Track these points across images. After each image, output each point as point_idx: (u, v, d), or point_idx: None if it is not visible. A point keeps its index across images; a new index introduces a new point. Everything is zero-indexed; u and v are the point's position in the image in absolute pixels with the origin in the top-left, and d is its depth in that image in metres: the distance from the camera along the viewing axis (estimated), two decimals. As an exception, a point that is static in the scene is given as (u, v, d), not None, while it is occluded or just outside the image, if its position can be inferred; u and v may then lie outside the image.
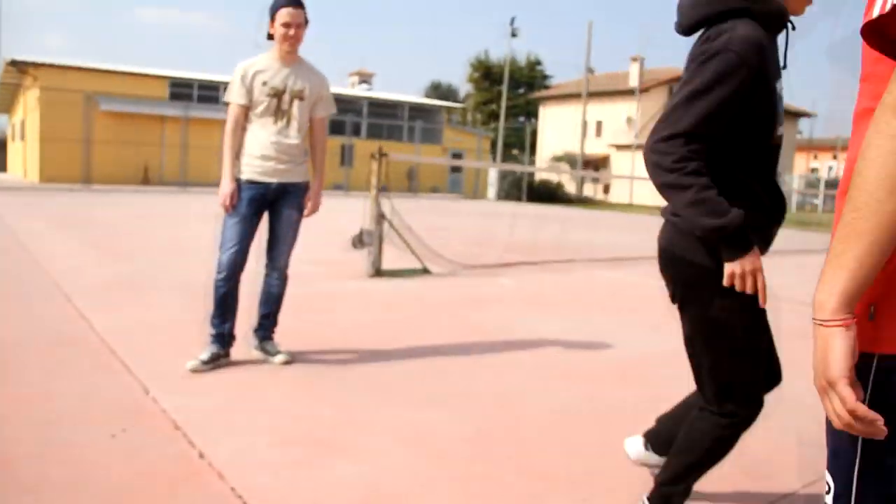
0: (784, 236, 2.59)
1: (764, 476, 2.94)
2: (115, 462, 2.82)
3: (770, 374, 2.30)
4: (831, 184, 54.33)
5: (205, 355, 4.07)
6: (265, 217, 4.22)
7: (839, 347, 1.05)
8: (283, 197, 4.18)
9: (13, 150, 44.27)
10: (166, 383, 3.78)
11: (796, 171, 68.20)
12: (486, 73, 66.79)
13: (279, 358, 4.25)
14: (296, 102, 4.14)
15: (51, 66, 31.35)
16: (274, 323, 4.38)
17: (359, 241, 7.50)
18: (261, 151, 4.08)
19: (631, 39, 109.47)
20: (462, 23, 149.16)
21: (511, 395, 3.93)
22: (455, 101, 74.90)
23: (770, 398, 2.27)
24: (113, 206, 17.36)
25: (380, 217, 7.66)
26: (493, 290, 7.35)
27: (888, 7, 1.03)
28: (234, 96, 4.08)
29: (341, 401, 3.67)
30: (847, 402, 1.05)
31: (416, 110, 42.47)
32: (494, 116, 49.97)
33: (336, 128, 37.49)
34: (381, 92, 45.40)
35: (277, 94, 4.09)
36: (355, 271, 7.75)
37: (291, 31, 4.00)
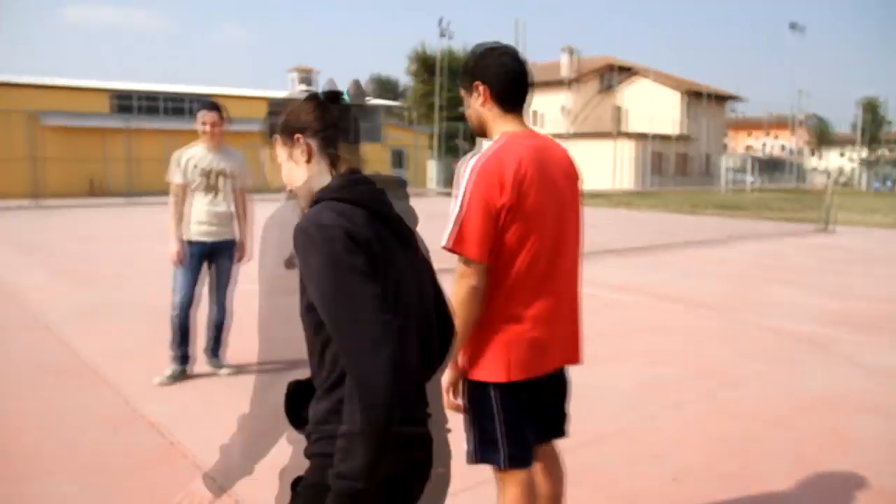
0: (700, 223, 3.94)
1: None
2: (115, 451, 4.18)
3: None
4: (765, 162, 56.73)
5: (168, 372, 5.45)
6: (206, 266, 5.60)
7: (447, 376, 2.50)
8: (218, 251, 5.57)
9: (-45, 167, 44.40)
10: (144, 395, 5.14)
11: (733, 149, 70.82)
12: (425, 66, 67.89)
13: (225, 371, 5.65)
14: (221, 179, 5.52)
15: (-10, 84, 31.88)
16: (219, 344, 5.75)
17: (290, 263, 8.83)
18: (197, 218, 5.47)
19: (563, 28, 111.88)
20: (399, 13, 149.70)
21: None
22: (396, 92, 75.99)
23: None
24: (66, 227, 18.34)
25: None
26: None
27: None
28: (174, 177, 5.46)
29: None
30: (446, 402, 2.49)
31: (355, 110, 43.57)
32: (435, 108, 51.29)
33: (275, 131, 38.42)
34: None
35: (206, 174, 5.46)
36: (291, 289, 9.08)
37: (208, 128, 5.40)
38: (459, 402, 2.59)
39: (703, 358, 6.22)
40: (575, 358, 2.70)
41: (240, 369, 5.73)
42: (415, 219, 1.96)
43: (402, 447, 1.62)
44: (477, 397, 2.54)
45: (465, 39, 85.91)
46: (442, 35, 38.76)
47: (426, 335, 1.83)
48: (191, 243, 5.46)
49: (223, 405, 4.95)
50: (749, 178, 48.29)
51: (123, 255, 12.91)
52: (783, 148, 71.11)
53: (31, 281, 10.13)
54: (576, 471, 3.83)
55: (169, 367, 5.49)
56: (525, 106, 2.61)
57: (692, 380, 5.62)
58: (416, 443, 1.73)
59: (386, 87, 77.54)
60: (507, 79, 2.54)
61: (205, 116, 5.42)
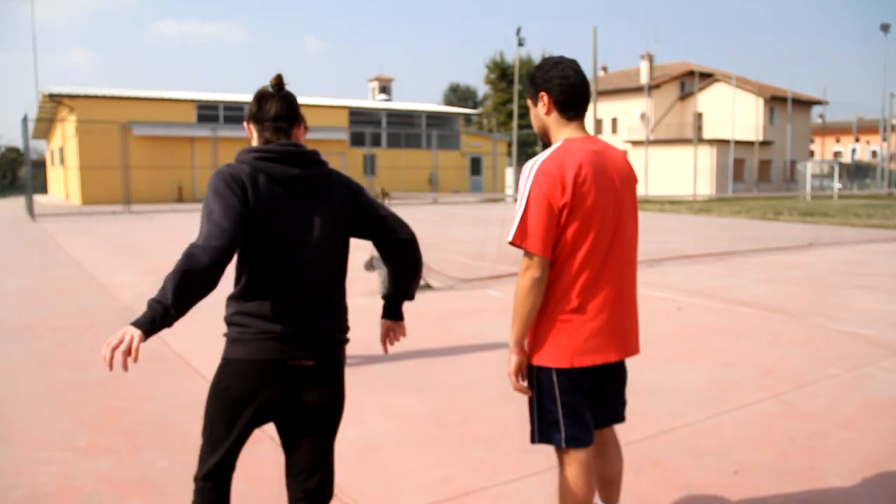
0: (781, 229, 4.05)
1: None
2: (197, 434, 4.48)
3: None
4: (855, 168, 54.95)
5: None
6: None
7: (513, 362, 2.69)
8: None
9: (53, 175, 46.69)
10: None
11: (819, 156, 68.85)
12: (503, 74, 68.19)
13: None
14: None
15: (85, 96, 33.45)
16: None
17: (370, 266, 9.14)
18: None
19: (641, 35, 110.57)
20: (478, 23, 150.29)
21: (471, 386, 5.55)
22: (474, 101, 76.42)
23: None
24: (156, 231, 19.19)
25: (386, 244, 9.30)
26: (480, 302, 8.97)
27: None
28: None
29: (347, 390, 5.32)
30: (513, 384, 2.68)
31: (434, 118, 44.13)
32: (513, 116, 51.47)
33: (357, 139, 39.28)
34: (399, 102, 47.12)
35: None
36: (368, 289, 9.40)
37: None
38: (525, 385, 2.77)
39: (774, 360, 6.23)
40: (633, 349, 2.86)
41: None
42: (338, 182, 2.66)
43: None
44: (540, 381, 2.73)
45: (544, 48, 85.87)
46: (520, 44, 38.84)
47: (298, 262, 2.51)
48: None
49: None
50: (836, 185, 46.93)
51: (210, 257, 13.45)
52: (874, 154, 68.84)
53: (124, 280, 10.71)
54: (639, 461, 3.98)
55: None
56: (585, 114, 2.81)
57: (762, 380, 5.65)
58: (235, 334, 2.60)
59: (464, 95, 78.05)
60: (569, 90, 2.73)
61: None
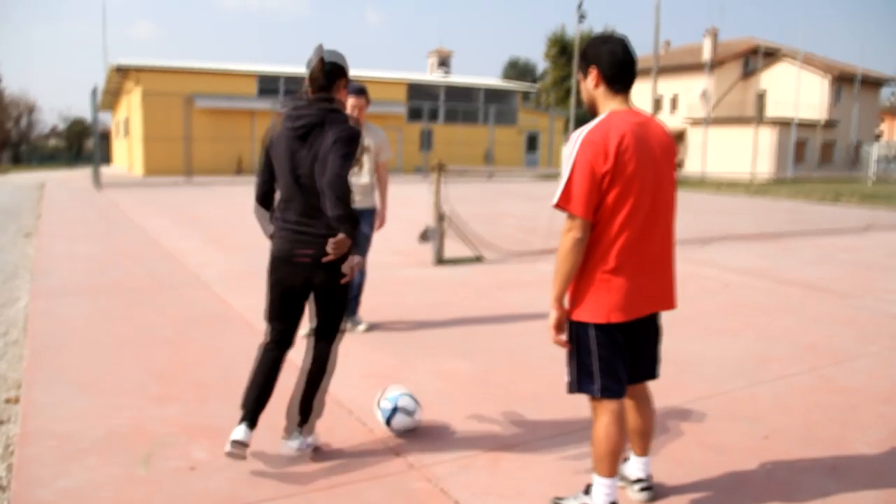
0: (839, 213, 4.20)
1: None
2: (266, 387, 4.82)
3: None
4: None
5: (311, 326, 6.06)
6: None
7: (553, 316, 2.92)
8: (359, 218, 6.10)
9: (118, 146, 47.92)
10: (288, 344, 5.80)
11: (888, 138, 66.89)
12: (563, 50, 67.56)
13: (361, 327, 6.24)
14: (364, 154, 6.07)
15: (150, 69, 34.25)
16: (357, 303, 6.34)
17: (424, 237, 9.44)
18: (341, 189, 6.03)
19: (706, 9, 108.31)
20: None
21: (518, 350, 5.79)
22: (533, 76, 75.92)
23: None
24: (216, 201, 19.76)
25: (440, 217, 9.57)
26: (531, 276, 9.17)
27: None
28: None
29: (400, 353, 5.62)
30: (553, 338, 2.91)
31: (492, 93, 44.10)
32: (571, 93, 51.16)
33: (415, 114, 39.52)
34: (457, 77, 47.14)
35: None
36: (422, 260, 9.69)
37: (356, 112, 5.92)
38: (564, 338, 3.00)
39: (814, 337, 6.34)
40: (669, 304, 3.09)
41: (373, 326, 6.32)
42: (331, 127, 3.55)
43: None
44: (579, 335, 2.97)
45: (606, 22, 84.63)
46: (581, 18, 38.50)
47: (287, 189, 3.67)
48: (335, 211, 6.06)
49: (358, 356, 5.55)
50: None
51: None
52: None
53: (188, 246, 11.16)
54: (674, 424, 4.19)
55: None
56: (631, 88, 3.02)
57: (800, 355, 5.78)
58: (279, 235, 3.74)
59: (524, 70, 77.59)
60: (617, 65, 2.96)
61: (353, 101, 5.96)
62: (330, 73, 3.60)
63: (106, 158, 52.45)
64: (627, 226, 2.88)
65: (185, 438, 4.03)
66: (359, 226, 3.59)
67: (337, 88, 3.66)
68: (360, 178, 6.10)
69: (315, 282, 3.69)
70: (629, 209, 2.87)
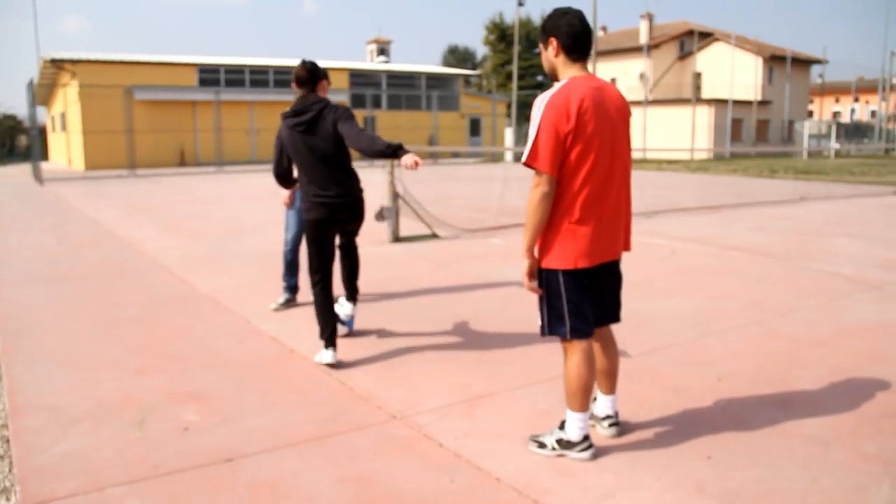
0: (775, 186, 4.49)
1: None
2: (241, 355, 5.01)
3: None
4: (853, 128, 55.16)
5: (281, 299, 6.28)
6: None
7: (525, 264, 3.18)
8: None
9: (54, 140, 46.87)
10: (260, 317, 6.00)
11: (818, 116, 68.86)
12: (502, 35, 67.97)
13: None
14: None
15: (87, 61, 33.58)
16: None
17: (380, 216, 9.64)
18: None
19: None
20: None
21: (481, 316, 6.06)
22: (473, 62, 76.28)
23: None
24: (163, 192, 19.62)
25: (395, 196, 9.79)
26: (485, 249, 9.46)
27: None
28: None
29: (372, 321, 5.85)
30: (526, 284, 3.18)
31: (434, 79, 44.24)
32: (512, 77, 51.60)
33: (358, 101, 39.49)
34: (398, 64, 47.20)
35: None
36: (379, 239, 9.88)
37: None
38: (535, 284, 3.27)
39: (760, 295, 6.74)
40: (627, 247, 3.44)
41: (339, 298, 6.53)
42: (329, 117, 4.82)
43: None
44: (549, 281, 3.25)
45: (543, 8, 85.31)
46: (520, 4, 38.87)
47: (307, 170, 4.87)
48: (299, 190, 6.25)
49: (330, 324, 5.76)
50: (833, 145, 47.16)
51: (221, 214, 13.94)
52: (873, 114, 68.89)
53: (143, 235, 11.18)
54: (635, 371, 4.51)
55: (281, 296, 6.32)
56: (588, 57, 3.30)
57: (747, 310, 6.17)
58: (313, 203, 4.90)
59: (463, 57, 77.85)
60: (574, 36, 3.24)
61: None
62: (311, 73, 4.89)
63: (43, 154, 51.24)
64: (589, 180, 3.16)
65: (173, 403, 4.21)
66: (399, 145, 4.51)
67: (321, 87, 4.97)
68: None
69: (348, 229, 5.21)
70: (590, 165, 3.15)
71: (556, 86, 3.22)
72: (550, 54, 3.31)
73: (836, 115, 73.81)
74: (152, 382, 4.57)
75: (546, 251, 3.23)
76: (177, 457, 3.51)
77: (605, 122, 3.18)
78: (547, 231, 3.21)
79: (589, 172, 3.14)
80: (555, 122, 3.08)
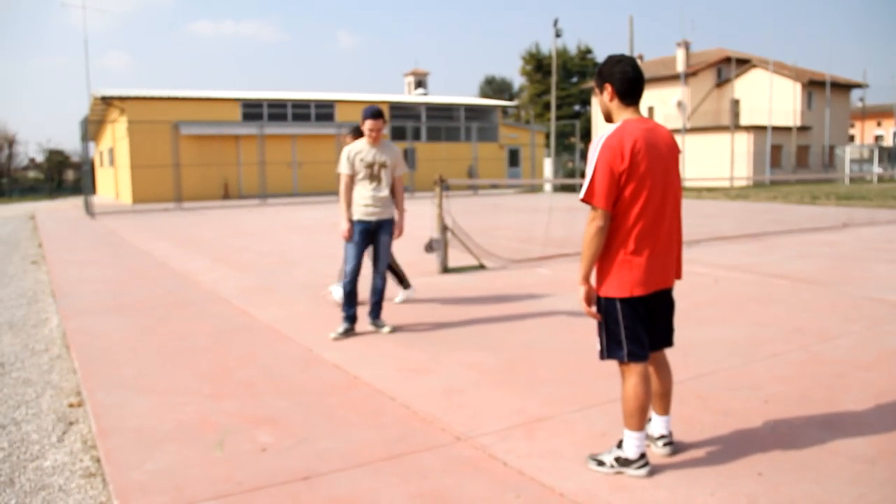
0: (817, 212, 4.73)
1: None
2: (308, 381, 5.30)
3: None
4: (894, 151, 54.54)
5: (341, 329, 6.58)
6: (370, 241, 6.71)
7: (582, 291, 3.44)
8: (380, 228, 6.65)
9: (102, 175, 48.14)
10: (321, 346, 6.30)
11: (860, 140, 68.16)
12: (538, 66, 68.62)
13: (386, 329, 6.73)
14: (382, 169, 6.60)
15: (135, 98, 34.64)
16: (380, 307, 6.84)
17: (429, 248, 9.95)
18: (363, 202, 6.57)
19: (678, 22, 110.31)
20: (510, 16, 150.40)
21: (532, 343, 6.30)
22: (510, 93, 76.93)
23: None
24: (211, 225, 20.17)
25: (443, 228, 10.09)
26: (532, 279, 9.69)
27: None
28: (344, 168, 6.57)
29: (427, 349, 6.11)
30: (585, 310, 3.44)
31: (472, 111, 44.81)
32: (550, 107, 51.93)
33: (397, 133, 40.11)
34: (437, 96, 47.83)
35: (370, 166, 6.56)
36: (428, 269, 10.18)
37: (374, 134, 6.47)
38: (594, 310, 3.53)
39: (803, 321, 6.90)
40: (678, 275, 3.69)
41: (395, 328, 6.82)
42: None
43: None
44: (607, 308, 3.51)
45: (579, 38, 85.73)
46: (557, 35, 39.34)
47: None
48: (358, 222, 6.58)
49: (388, 353, 6.06)
50: (875, 169, 46.74)
51: (267, 247, 14.35)
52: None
53: (197, 267, 11.60)
54: (683, 395, 4.71)
55: (341, 325, 6.62)
56: (640, 100, 3.59)
57: (791, 336, 6.34)
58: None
59: (500, 87, 78.58)
60: (628, 82, 3.54)
61: (371, 124, 6.49)
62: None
63: (91, 189, 52.60)
64: (643, 215, 3.42)
65: (248, 426, 4.50)
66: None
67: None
68: (380, 191, 6.61)
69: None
70: (643, 201, 3.42)
71: (611, 127, 3.50)
72: (606, 98, 3.60)
73: (878, 139, 73.01)
74: (226, 407, 4.87)
75: (604, 280, 3.50)
76: (257, 475, 3.79)
77: (657, 160, 3.45)
78: (604, 261, 3.48)
79: (642, 207, 3.41)
80: (609, 162, 3.36)
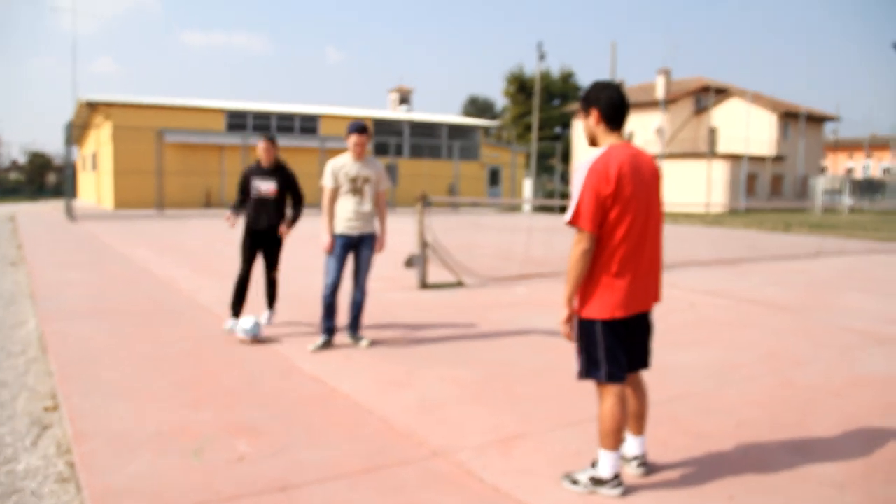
0: (790, 240, 4.82)
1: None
2: (286, 392, 5.33)
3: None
4: (867, 184, 55.45)
5: (320, 341, 6.61)
6: (351, 255, 6.75)
7: (564, 313, 3.52)
8: (362, 242, 6.70)
9: (84, 179, 47.79)
10: (300, 357, 6.32)
11: (832, 171, 69.22)
12: (521, 87, 69.01)
13: (364, 343, 6.76)
14: (365, 184, 6.65)
15: (121, 104, 34.50)
16: (358, 321, 6.87)
17: (409, 263, 10.01)
18: (346, 216, 6.61)
19: (658, 50, 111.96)
20: (495, 37, 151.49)
21: (509, 361, 6.36)
22: (492, 113, 77.30)
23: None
24: (192, 233, 20.09)
25: (424, 245, 10.15)
26: (510, 298, 9.77)
27: None
28: (328, 182, 6.61)
29: (405, 364, 6.16)
30: (562, 331, 3.51)
31: (455, 129, 45.00)
32: (531, 128, 52.23)
33: (381, 149, 40.18)
34: (420, 114, 47.98)
35: (353, 180, 6.61)
36: (408, 285, 10.24)
37: (359, 148, 6.53)
38: (570, 331, 3.60)
39: (774, 346, 7.02)
40: (657, 298, 3.75)
41: (374, 342, 6.85)
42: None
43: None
44: (586, 330, 3.57)
45: (562, 62, 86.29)
46: (541, 58, 39.68)
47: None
48: (340, 236, 6.62)
49: (367, 367, 6.10)
50: (846, 200, 47.43)
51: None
52: (886, 171, 69.15)
53: (178, 274, 11.57)
54: (658, 416, 4.79)
55: (320, 338, 6.66)
56: (625, 126, 3.67)
57: (764, 360, 6.45)
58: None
59: (483, 107, 78.97)
60: (614, 108, 3.62)
61: (356, 139, 6.55)
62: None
63: (72, 193, 52.18)
64: (626, 239, 3.50)
65: (227, 435, 4.51)
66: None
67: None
68: (363, 206, 6.66)
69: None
70: (627, 225, 3.50)
71: (597, 151, 3.58)
72: (591, 122, 3.68)
73: (849, 171, 74.11)
74: (205, 414, 4.88)
75: (586, 302, 3.57)
76: (235, 484, 3.81)
77: (641, 185, 3.53)
78: (587, 283, 3.55)
79: (626, 231, 3.49)
80: (596, 186, 3.44)
